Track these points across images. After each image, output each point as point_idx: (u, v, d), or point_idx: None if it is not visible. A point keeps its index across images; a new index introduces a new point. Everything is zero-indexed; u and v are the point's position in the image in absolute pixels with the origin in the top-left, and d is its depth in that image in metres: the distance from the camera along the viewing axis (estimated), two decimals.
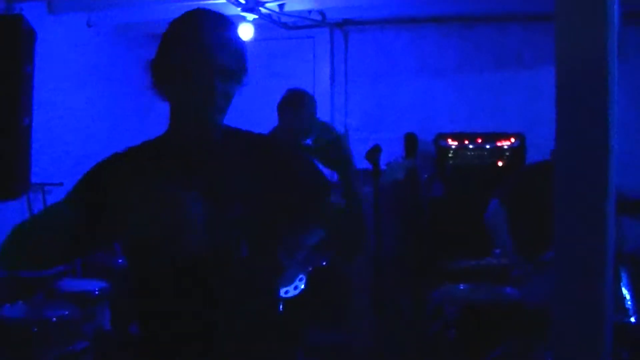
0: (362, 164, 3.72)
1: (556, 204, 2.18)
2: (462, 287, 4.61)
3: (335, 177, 2.55)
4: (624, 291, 3.94)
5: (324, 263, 4.90)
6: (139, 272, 2.27)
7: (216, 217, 2.12)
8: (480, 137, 7.06)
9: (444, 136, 7.13)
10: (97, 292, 5.22)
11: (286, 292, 4.91)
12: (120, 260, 6.22)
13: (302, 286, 4.95)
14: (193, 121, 2.20)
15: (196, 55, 2.13)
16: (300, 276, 4.95)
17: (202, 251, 2.10)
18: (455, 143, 7.06)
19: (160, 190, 2.07)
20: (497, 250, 4.53)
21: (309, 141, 2.77)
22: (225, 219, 2.15)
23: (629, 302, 3.90)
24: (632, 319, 3.89)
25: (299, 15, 7.24)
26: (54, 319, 4.59)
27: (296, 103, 5.15)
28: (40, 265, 2.59)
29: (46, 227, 2.17)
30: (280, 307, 4.92)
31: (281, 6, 6.86)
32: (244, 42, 2.25)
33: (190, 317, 2.17)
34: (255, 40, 6.74)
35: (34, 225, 2.30)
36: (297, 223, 2.68)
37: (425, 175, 6.94)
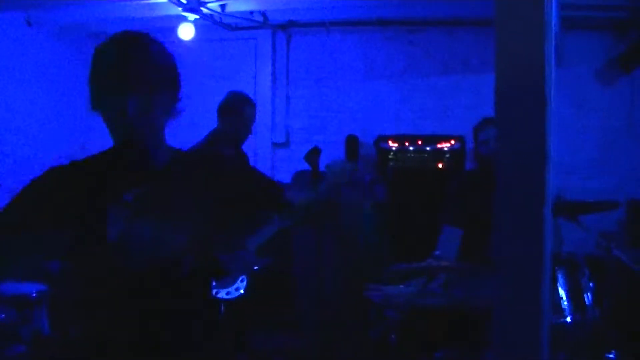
0: (302, 165, 3.73)
1: (496, 208, 2.20)
2: (402, 289, 4.62)
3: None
4: (561, 292, 4.01)
5: (267, 263, 4.89)
6: (82, 279, 2.28)
7: (161, 235, 2.19)
8: (421, 139, 7.10)
9: (384, 138, 7.15)
10: (34, 295, 5.12)
11: (228, 294, 4.89)
12: (58, 263, 6.12)
13: (244, 287, 4.94)
14: (126, 142, 2.26)
15: (107, 80, 2.23)
16: (242, 277, 4.94)
17: (144, 267, 2.16)
18: (396, 145, 7.08)
19: (106, 206, 2.13)
20: (437, 252, 4.55)
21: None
22: (170, 237, 2.21)
23: (565, 303, 3.97)
24: (569, 319, 3.96)
25: (241, 16, 7.21)
26: None
27: (236, 108, 5.17)
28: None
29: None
30: (222, 308, 4.90)
31: (223, 7, 6.84)
32: (168, 58, 2.31)
33: (131, 325, 2.20)
34: (197, 40, 6.71)
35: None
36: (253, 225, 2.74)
37: (368, 178, 6.96)
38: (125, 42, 2.26)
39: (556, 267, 4.01)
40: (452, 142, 7.01)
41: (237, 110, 5.19)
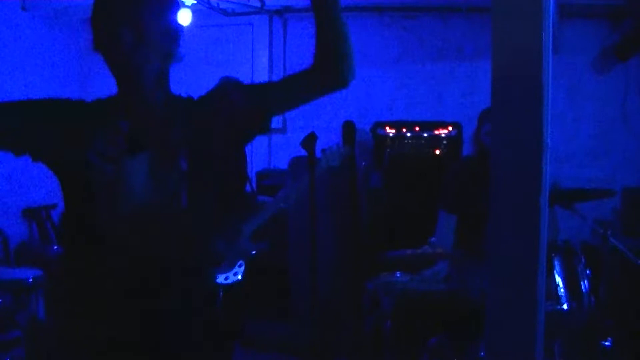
0: (298, 152, 3.72)
1: (491, 197, 2.20)
2: (398, 276, 4.63)
3: None
4: (557, 279, 4.02)
5: (262, 248, 4.88)
6: (76, 210, 2.31)
7: (158, 171, 2.23)
8: (418, 126, 7.08)
9: (382, 124, 7.14)
10: (30, 281, 5.12)
11: (226, 279, 4.89)
12: (55, 248, 6.13)
13: (242, 273, 4.93)
14: (131, 83, 2.30)
15: (100, 15, 2.27)
16: (240, 262, 4.93)
17: (143, 201, 2.19)
18: (393, 131, 7.07)
19: (107, 142, 2.19)
20: (433, 239, 4.55)
21: None
22: (167, 173, 2.25)
23: (562, 290, 3.97)
24: (565, 306, 3.97)
25: (237, 1, 7.19)
26: None
27: (229, 95, 5.16)
28: None
29: None
30: (220, 294, 4.90)
31: None
32: (169, 3, 2.34)
33: (128, 270, 2.21)
34: (193, 26, 6.68)
35: None
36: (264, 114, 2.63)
37: (364, 164, 6.95)
38: None
39: (553, 255, 4.02)
40: (450, 128, 7.00)
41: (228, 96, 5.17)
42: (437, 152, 7.01)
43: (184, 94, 2.48)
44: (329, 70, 2.50)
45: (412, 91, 7.64)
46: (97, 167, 2.17)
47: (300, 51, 7.96)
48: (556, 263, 4.05)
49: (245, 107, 2.46)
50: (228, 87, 2.49)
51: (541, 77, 2.11)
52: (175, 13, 2.34)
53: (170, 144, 2.28)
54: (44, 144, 2.25)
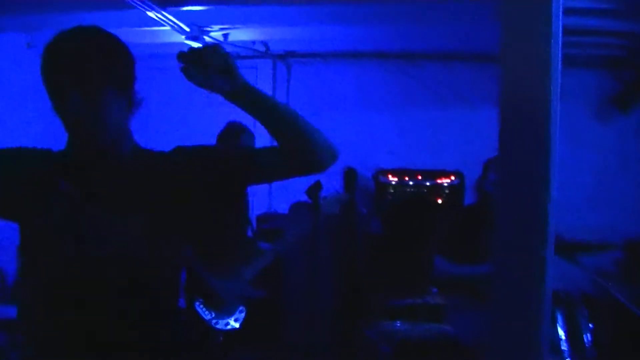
0: (300, 196, 3.71)
1: (495, 247, 2.17)
2: (398, 325, 4.59)
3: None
4: (560, 332, 3.97)
5: (260, 296, 4.83)
6: (31, 264, 2.27)
7: (116, 225, 2.15)
8: (420, 174, 7.07)
9: (384, 172, 7.12)
10: None
11: (226, 325, 4.84)
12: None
13: (241, 320, 4.88)
14: (81, 136, 2.23)
15: (56, 73, 2.18)
16: (241, 308, 4.88)
17: (97, 253, 2.12)
18: (395, 179, 7.05)
19: (64, 196, 2.14)
20: (435, 289, 4.52)
21: None
22: (126, 227, 2.15)
23: (565, 344, 3.93)
24: None
25: (242, 45, 7.22)
26: None
27: (235, 137, 5.16)
28: None
29: None
30: (220, 338, 4.84)
31: (225, 36, 6.84)
32: (117, 50, 2.22)
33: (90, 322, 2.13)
34: None
35: None
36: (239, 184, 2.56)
37: (365, 211, 6.92)
38: (69, 38, 2.21)
39: (555, 308, 3.97)
40: (452, 177, 6.99)
41: (235, 139, 5.17)
42: (439, 200, 6.98)
43: (155, 148, 2.38)
44: (296, 161, 2.35)
45: (412, 137, 7.63)
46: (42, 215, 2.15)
47: (303, 94, 7.98)
48: (559, 316, 4.00)
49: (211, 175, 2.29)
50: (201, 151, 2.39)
51: (549, 126, 2.09)
52: (128, 68, 2.25)
53: (130, 199, 2.19)
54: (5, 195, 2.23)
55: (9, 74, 6.80)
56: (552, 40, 2.11)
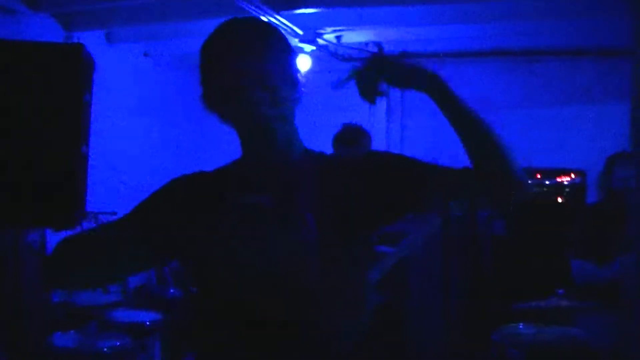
0: None
1: (633, 246, 2.08)
2: (525, 329, 4.48)
3: None
4: None
5: (383, 300, 4.78)
6: (205, 297, 2.10)
7: (294, 241, 1.95)
8: (540, 173, 6.92)
9: None
10: (148, 324, 5.17)
11: None
12: (172, 291, 6.20)
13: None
14: (257, 138, 2.03)
15: (228, 71, 1.99)
16: None
17: (275, 278, 1.91)
18: None
19: (236, 213, 1.95)
20: (561, 291, 4.38)
21: None
22: (303, 243, 1.95)
23: None
24: None
25: (356, 47, 7.22)
26: (106, 349, 4.56)
27: (351, 140, 5.13)
28: (88, 281, 2.31)
29: (99, 240, 2.04)
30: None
31: (338, 38, 6.86)
32: (284, 46, 2.07)
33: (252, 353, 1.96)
34: (312, 72, 6.74)
35: (85, 238, 2.07)
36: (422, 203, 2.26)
37: (486, 213, 6.80)
38: (237, 32, 2.03)
39: None
40: (572, 175, 6.81)
41: (353, 141, 5.13)
42: (560, 199, 6.82)
43: (315, 149, 2.21)
44: (484, 178, 2.08)
45: (535, 136, 7.48)
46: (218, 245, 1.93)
47: (418, 97, 7.89)
48: None
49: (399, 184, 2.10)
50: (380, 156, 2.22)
51: None
52: (293, 58, 2.08)
53: (299, 208, 1.98)
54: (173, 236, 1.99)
55: (128, 83, 6.99)
56: None
